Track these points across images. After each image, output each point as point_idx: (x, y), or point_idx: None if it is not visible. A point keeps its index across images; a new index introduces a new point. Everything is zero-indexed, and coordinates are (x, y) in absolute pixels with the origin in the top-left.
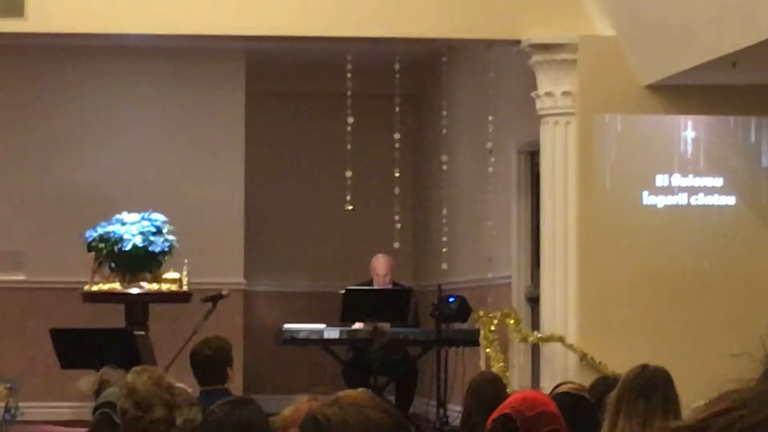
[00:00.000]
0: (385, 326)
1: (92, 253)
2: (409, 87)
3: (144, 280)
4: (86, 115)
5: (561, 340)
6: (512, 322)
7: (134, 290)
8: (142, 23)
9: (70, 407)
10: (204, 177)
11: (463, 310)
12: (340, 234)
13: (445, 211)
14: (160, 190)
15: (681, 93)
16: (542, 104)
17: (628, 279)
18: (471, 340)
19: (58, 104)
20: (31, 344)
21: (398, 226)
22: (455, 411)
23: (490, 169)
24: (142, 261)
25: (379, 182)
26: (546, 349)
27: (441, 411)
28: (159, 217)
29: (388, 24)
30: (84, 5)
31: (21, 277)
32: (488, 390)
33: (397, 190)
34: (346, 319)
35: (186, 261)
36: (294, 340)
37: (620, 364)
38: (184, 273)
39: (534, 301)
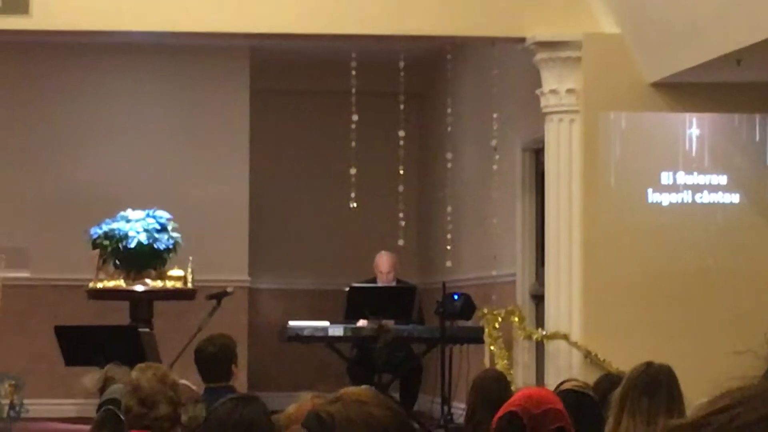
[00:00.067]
0: (390, 324)
1: (97, 250)
2: (413, 85)
3: (149, 277)
4: (91, 112)
5: (565, 337)
6: (517, 319)
7: (139, 287)
8: (146, 21)
9: (75, 404)
10: (208, 175)
11: (468, 308)
12: (345, 231)
13: (449, 209)
14: (165, 188)
15: (686, 90)
16: (547, 102)
17: (632, 276)
18: (475, 337)
19: (62, 102)
20: (36, 341)
21: (403, 223)
22: (459, 408)
23: (495, 167)
24: (146, 258)
25: (384, 180)
26: (550, 346)
27: (445, 408)
28: (164, 215)
29: (392, 21)
30: (88, 3)
31: (25, 275)
32: (492, 387)
33: (401, 188)
34: (351, 316)
35: (191, 258)
36: (298, 337)
37: (624, 361)
38: (189, 270)
39: (538, 298)
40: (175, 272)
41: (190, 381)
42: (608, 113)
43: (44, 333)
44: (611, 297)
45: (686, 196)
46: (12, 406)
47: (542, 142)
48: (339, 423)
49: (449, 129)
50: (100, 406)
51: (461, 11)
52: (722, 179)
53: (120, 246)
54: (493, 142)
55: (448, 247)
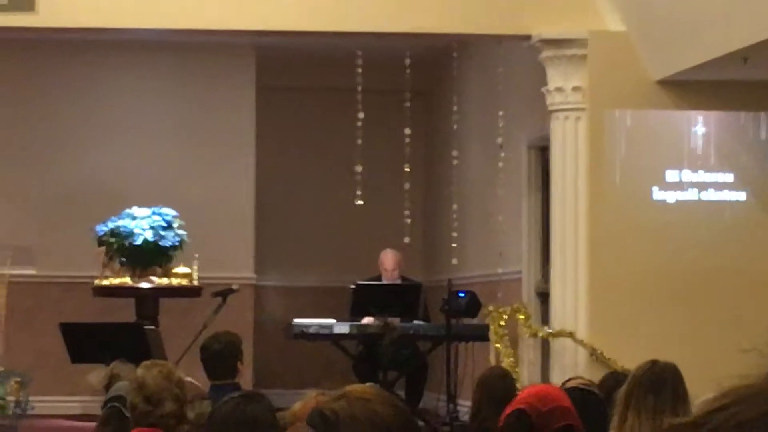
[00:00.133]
0: (395, 321)
1: (103, 248)
2: (419, 82)
3: (154, 274)
4: (96, 110)
5: (571, 335)
6: (522, 317)
7: (144, 285)
8: (151, 18)
9: (80, 401)
10: (214, 172)
11: (473, 305)
12: (351, 229)
13: (455, 206)
14: (171, 185)
15: (691, 88)
16: (552, 99)
17: (638, 274)
18: (481, 335)
19: (68, 99)
20: (42, 338)
21: (408, 221)
22: (465, 406)
23: (501, 165)
24: (152, 255)
25: (390, 177)
26: (556, 344)
27: (451, 406)
28: (169, 212)
29: (398, 19)
30: (94, 0)
31: (31, 272)
32: (498, 385)
33: (407, 186)
34: (356, 314)
35: (196, 255)
36: (304, 334)
37: (630, 359)
38: (195, 267)
39: (544, 296)
40: (181, 269)
41: (196, 378)
42: (614, 111)
43: (50, 330)
44: (617, 295)
45: (692, 194)
46: (18, 403)
47: (548, 139)
48: (343, 420)
49: (455, 127)
50: (105, 403)
51: (467, 9)
52: (728, 177)
53: (126, 243)
54: (499, 140)
55: (454, 245)
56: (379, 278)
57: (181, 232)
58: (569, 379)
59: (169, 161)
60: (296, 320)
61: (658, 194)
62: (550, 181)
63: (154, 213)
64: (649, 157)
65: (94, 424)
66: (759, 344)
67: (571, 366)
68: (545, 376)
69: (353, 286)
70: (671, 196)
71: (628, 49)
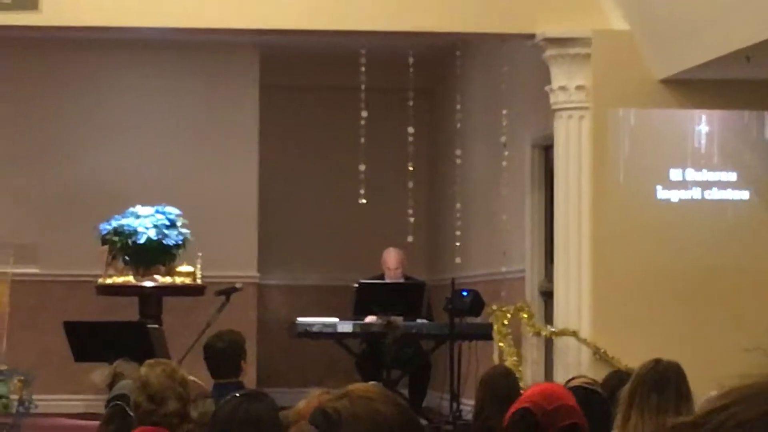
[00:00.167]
0: (399, 320)
1: (106, 246)
2: (423, 81)
3: (158, 273)
4: (99, 108)
5: (574, 334)
6: (526, 316)
7: (148, 283)
8: (155, 17)
9: (84, 400)
10: (218, 171)
11: (477, 304)
12: (354, 228)
13: (458, 205)
14: (174, 184)
15: (695, 87)
16: (556, 98)
17: (641, 273)
18: (484, 334)
19: (71, 98)
20: (45, 337)
21: (412, 219)
22: (468, 405)
23: (504, 163)
24: (155, 254)
25: (393, 176)
26: (559, 343)
27: (454, 405)
28: (173, 211)
29: (401, 18)
30: None
31: (34, 270)
32: (501, 383)
33: (410, 184)
34: (360, 312)
35: (200, 254)
36: (307, 333)
37: (633, 358)
38: (198, 266)
39: (547, 295)
40: (184, 268)
41: (199, 377)
42: (617, 110)
43: (53, 329)
44: (620, 294)
45: (695, 193)
46: (21, 401)
47: (551, 138)
48: (345, 419)
49: (458, 125)
50: (108, 402)
51: (470, 7)
52: (731, 176)
53: (129, 242)
54: (503, 139)
55: (457, 244)
56: (382, 277)
57: (184, 230)
58: (572, 378)
59: (172, 160)
60: (299, 319)
61: (661, 193)
62: (554, 180)
63: (157, 211)
64: (653, 156)
65: (97, 422)
66: (762, 343)
67: (575, 365)
68: (548, 375)
69: (356, 285)
70: (675, 195)
71: (631, 48)
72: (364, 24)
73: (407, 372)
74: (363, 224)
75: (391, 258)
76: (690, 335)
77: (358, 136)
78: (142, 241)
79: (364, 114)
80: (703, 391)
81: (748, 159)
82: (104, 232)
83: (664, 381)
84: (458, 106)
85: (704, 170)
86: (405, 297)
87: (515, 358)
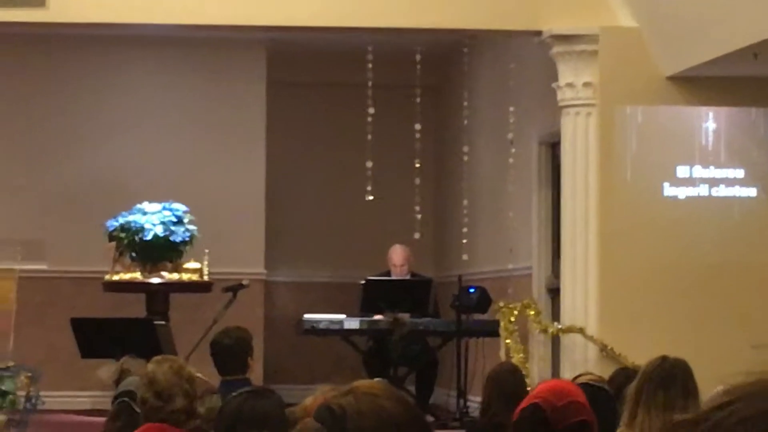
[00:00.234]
0: (405, 317)
1: (113, 243)
2: (430, 78)
3: (165, 269)
4: (107, 105)
5: (581, 331)
6: (532, 313)
7: (155, 280)
8: (162, 13)
9: (91, 396)
10: (225, 167)
11: (484, 301)
12: (361, 224)
13: (465, 202)
14: (181, 181)
15: (702, 84)
16: (563, 95)
17: (648, 270)
18: (491, 330)
19: (79, 94)
20: (52, 333)
21: (419, 216)
22: (475, 402)
23: (511, 160)
24: (162, 251)
25: (400, 173)
26: (566, 340)
27: (461, 402)
28: (180, 207)
29: (409, 14)
30: None
31: (42, 267)
32: (507, 380)
33: (417, 181)
34: (367, 309)
35: (207, 251)
36: (314, 330)
37: (640, 355)
38: (205, 263)
39: (554, 292)
40: (191, 265)
41: (206, 373)
42: (625, 107)
43: (61, 325)
44: (627, 291)
45: (702, 190)
46: (28, 398)
47: (558, 135)
48: (350, 416)
49: (465, 122)
50: (115, 398)
51: (477, 4)
52: (739, 173)
53: (136, 238)
54: (510, 136)
55: (464, 241)
56: (388, 274)
57: (191, 227)
58: (579, 375)
59: (179, 156)
60: (306, 316)
61: (668, 190)
62: (561, 177)
63: (164, 208)
64: (660, 153)
65: (104, 419)
66: None
67: (581, 362)
68: (555, 371)
69: (363, 282)
70: (682, 192)
71: (639, 45)
72: (371, 21)
73: (414, 369)
74: (370, 221)
75: (397, 255)
76: (697, 332)
77: (365, 133)
78: (149, 237)
79: (371, 111)
80: (710, 388)
81: (756, 156)
82: (111, 228)
83: (670, 378)
84: (465, 103)
85: (711, 167)
86: (412, 294)
87: (522, 355)
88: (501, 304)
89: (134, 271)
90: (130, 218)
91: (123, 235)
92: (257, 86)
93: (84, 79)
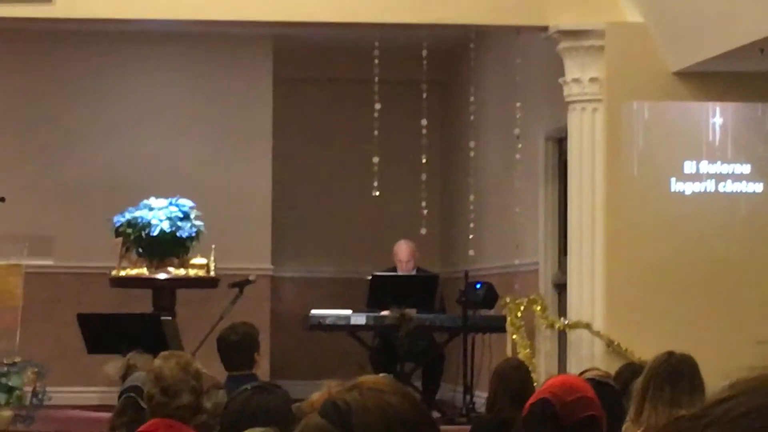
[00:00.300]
0: (412, 312)
1: (120, 239)
2: (436, 73)
3: (171, 265)
4: (113, 100)
5: (588, 326)
6: (539, 308)
7: (161, 275)
8: (170, 9)
9: (97, 392)
10: (231, 163)
11: (490, 297)
12: (367, 220)
13: (472, 198)
14: (188, 176)
15: (709, 80)
16: (570, 91)
17: (655, 266)
18: (498, 326)
19: (85, 90)
20: (59, 329)
21: (425, 212)
22: (482, 397)
23: (518, 156)
24: (169, 246)
25: (406, 168)
26: (573, 335)
27: (467, 397)
28: (186, 203)
29: (415, 9)
30: None
31: (49, 262)
32: (513, 376)
33: (424, 177)
34: (373, 305)
35: (213, 246)
36: (321, 325)
37: (647, 350)
38: (212, 258)
39: (561, 287)
40: (198, 260)
41: (213, 369)
42: (631, 102)
43: (67, 321)
44: (634, 286)
45: (709, 186)
46: (35, 393)
47: (565, 131)
48: (355, 411)
49: (472, 118)
50: (121, 394)
51: (485, 0)
52: (746, 168)
53: (143, 234)
54: (516, 131)
55: (471, 236)
56: (394, 269)
57: (198, 222)
58: (586, 371)
59: (186, 152)
60: (313, 311)
61: (675, 186)
62: (568, 173)
63: (171, 204)
64: (667, 149)
65: (110, 414)
66: None
67: (588, 357)
68: (562, 367)
69: (370, 278)
70: (689, 188)
71: (645, 40)
72: (377, 16)
73: (420, 365)
74: (376, 216)
75: (403, 251)
76: (703, 328)
77: (372, 128)
78: (155, 233)
79: (378, 106)
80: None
81: (762, 151)
82: (118, 224)
83: (677, 374)
84: (472, 98)
85: (718, 163)
86: (418, 290)
87: (528, 350)
88: (507, 299)
89: (141, 267)
90: (137, 214)
91: (129, 230)
92: (264, 82)
93: (90, 75)
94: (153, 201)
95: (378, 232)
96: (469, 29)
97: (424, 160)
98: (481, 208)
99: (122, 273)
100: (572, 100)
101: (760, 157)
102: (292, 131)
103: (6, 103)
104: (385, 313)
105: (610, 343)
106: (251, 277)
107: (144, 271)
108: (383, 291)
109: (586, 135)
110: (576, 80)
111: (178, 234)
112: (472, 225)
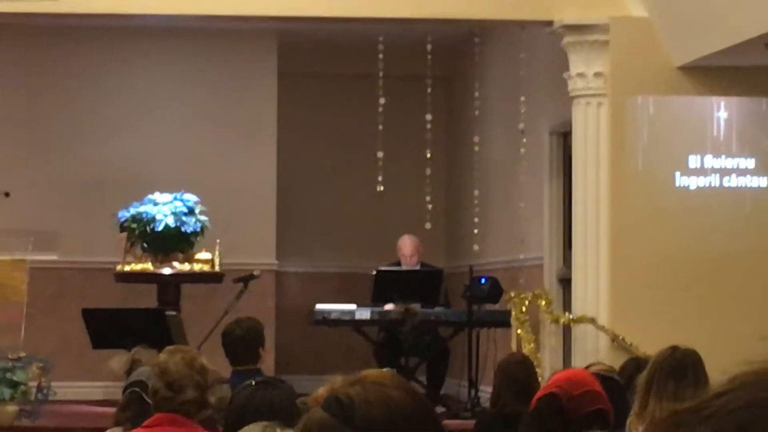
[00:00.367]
0: (417, 307)
1: (125, 234)
2: (441, 68)
3: (176, 260)
4: (118, 95)
5: (592, 321)
6: (544, 303)
7: (166, 270)
8: (174, 3)
9: (102, 387)
10: (236, 158)
11: (495, 291)
12: (372, 215)
13: (476, 192)
14: (193, 171)
15: (713, 74)
16: (574, 85)
17: (659, 260)
18: (502, 321)
19: (89, 85)
20: (64, 324)
21: (430, 207)
22: (487, 392)
23: (522, 151)
24: (174, 241)
25: (411, 163)
26: (577, 330)
27: (472, 392)
28: (191, 198)
29: (419, 4)
30: None
31: (54, 258)
32: (518, 371)
33: (428, 171)
34: (378, 300)
35: (218, 241)
36: (325, 320)
37: (651, 345)
38: (216, 253)
39: (566, 282)
40: (203, 255)
41: (217, 364)
42: (636, 97)
43: (72, 316)
44: (638, 281)
45: (714, 180)
46: (40, 388)
47: (570, 125)
48: (358, 405)
49: (477, 112)
50: (125, 389)
51: None
52: (750, 163)
53: (147, 229)
54: (521, 126)
55: (476, 231)
56: (398, 264)
57: (202, 217)
58: (590, 365)
59: (191, 147)
60: (318, 306)
61: (680, 180)
62: (572, 168)
63: (175, 199)
64: (671, 143)
65: (115, 409)
66: None
67: (593, 352)
68: (567, 361)
69: (374, 273)
70: (693, 182)
71: (650, 34)
72: (382, 11)
73: (425, 359)
74: (381, 211)
75: (406, 245)
76: (708, 322)
77: (376, 123)
78: (160, 228)
79: (382, 101)
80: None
81: (767, 145)
82: (123, 219)
83: (681, 368)
84: (476, 93)
85: (723, 157)
86: (423, 284)
87: (533, 345)
88: (512, 294)
89: (145, 262)
90: (142, 209)
91: (134, 225)
92: (268, 77)
93: (94, 70)
94: (158, 196)
95: (382, 226)
96: (473, 24)
97: (428, 155)
98: (485, 203)
99: (127, 268)
100: (577, 95)
101: (765, 151)
102: (297, 126)
103: (10, 98)
104: (389, 307)
105: (614, 338)
106: (256, 272)
107: (149, 266)
108: (388, 286)
109: (590, 130)
110: (580, 75)
111: (182, 229)
112: (476, 220)
